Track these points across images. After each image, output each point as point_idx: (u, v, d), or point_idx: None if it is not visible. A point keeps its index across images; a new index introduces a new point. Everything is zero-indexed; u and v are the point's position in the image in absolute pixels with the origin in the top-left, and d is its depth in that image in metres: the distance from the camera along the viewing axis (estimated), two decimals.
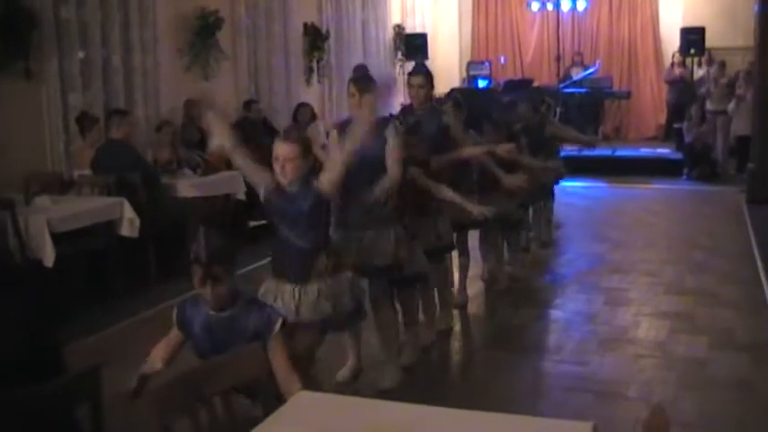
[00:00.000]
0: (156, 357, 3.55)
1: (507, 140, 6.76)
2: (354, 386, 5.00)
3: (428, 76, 5.99)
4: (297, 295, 4.20)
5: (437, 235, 5.53)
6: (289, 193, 4.16)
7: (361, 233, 4.88)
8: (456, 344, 5.81)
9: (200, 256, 3.34)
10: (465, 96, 7.54)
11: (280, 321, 3.42)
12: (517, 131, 7.54)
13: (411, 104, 6.08)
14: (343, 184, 4.40)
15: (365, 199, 4.86)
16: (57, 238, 6.29)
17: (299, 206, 4.17)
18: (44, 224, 6.22)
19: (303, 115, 10.94)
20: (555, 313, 6.54)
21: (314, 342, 4.33)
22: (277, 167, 4.11)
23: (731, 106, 12.96)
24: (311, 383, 3.78)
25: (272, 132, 10.52)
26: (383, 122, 4.92)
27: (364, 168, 4.70)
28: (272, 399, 3.06)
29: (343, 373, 5.14)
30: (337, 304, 4.27)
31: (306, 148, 4.16)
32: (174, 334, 3.57)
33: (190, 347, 3.54)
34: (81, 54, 8.08)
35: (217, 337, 3.43)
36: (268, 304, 3.70)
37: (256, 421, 2.74)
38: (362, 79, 5.00)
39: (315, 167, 4.34)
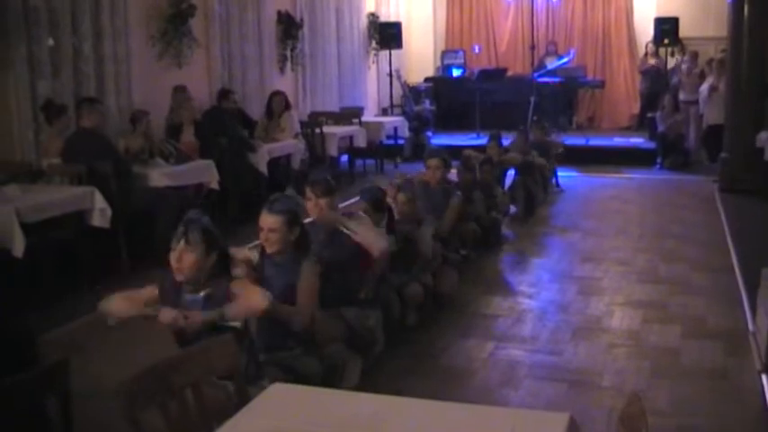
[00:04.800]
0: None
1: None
2: None
3: None
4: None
5: None
6: (275, 264, 4.18)
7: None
8: (429, 334, 5.79)
9: (189, 217, 3.54)
10: None
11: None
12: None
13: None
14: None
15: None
16: (26, 228, 6.20)
17: (286, 279, 4.16)
18: (13, 214, 6.13)
19: (277, 104, 10.88)
20: (528, 302, 6.53)
21: None
22: (261, 237, 4.16)
23: (702, 93, 13.04)
24: None
25: (247, 123, 10.46)
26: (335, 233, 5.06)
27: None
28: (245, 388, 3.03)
29: None
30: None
31: (291, 218, 4.18)
32: (149, 292, 3.64)
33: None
34: (50, 41, 7.96)
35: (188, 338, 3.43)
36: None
37: (228, 413, 2.71)
38: (320, 184, 5.05)
39: (306, 240, 4.34)
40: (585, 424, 4.02)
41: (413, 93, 15.83)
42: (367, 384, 4.62)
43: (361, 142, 12.47)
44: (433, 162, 6.96)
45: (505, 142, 10.54)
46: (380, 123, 13.74)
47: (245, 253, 4.40)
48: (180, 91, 9.54)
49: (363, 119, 13.17)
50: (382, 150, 13.39)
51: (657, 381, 4.92)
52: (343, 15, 14.66)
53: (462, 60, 17.03)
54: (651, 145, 13.67)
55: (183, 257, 3.55)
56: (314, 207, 5.01)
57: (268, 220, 4.15)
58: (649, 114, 14.33)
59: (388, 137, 13.83)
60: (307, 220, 5.05)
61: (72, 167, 7.28)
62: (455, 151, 8.92)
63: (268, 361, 3.98)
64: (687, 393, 4.74)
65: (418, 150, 13.23)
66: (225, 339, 3.04)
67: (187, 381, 2.77)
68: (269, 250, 4.18)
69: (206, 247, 3.57)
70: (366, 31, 15.72)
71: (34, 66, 7.73)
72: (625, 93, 16.73)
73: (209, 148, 8.99)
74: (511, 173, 10.09)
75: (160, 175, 7.86)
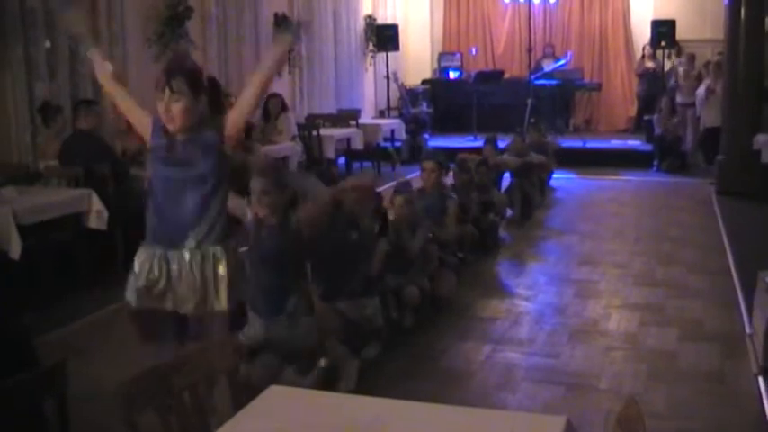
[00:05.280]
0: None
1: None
2: None
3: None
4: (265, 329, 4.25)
5: None
6: (268, 227, 4.20)
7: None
8: (427, 336, 5.79)
9: (168, 66, 3.45)
10: None
11: None
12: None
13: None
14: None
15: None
16: (24, 230, 6.20)
17: (276, 242, 4.20)
18: (10, 216, 6.12)
19: (273, 106, 10.88)
20: (525, 305, 6.53)
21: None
22: (254, 200, 4.19)
23: (699, 96, 13.05)
24: None
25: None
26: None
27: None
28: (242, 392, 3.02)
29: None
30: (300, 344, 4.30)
31: (282, 180, 4.23)
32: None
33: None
34: (47, 43, 7.97)
35: (177, 153, 3.51)
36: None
37: (226, 415, 2.71)
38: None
39: (295, 202, 4.35)
40: (583, 427, 4.02)
41: (410, 95, 15.84)
42: (365, 387, 4.62)
43: (358, 144, 12.48)
44: (429, 165, 6.96)
45: (502, 144, 10.55)
46: (377, 126, 13.75)
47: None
48: None
49: (360, 121, 13.18)
50: (379, 153, 13.40)
51: (654, 384, 4.92)
52: (340, 17, 14.67)
53: (459, 63, 17.03)
54: (648, 147, 13.68)
55: (172, 108, 3.44)
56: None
57: (260, 182, 4.18)
58: (646, 117, 14.34)
59: (386, 139, 13.83)
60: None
61: (69, 169, 7.28)
62: (452, 154, 8.93)
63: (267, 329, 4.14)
64: (684, 396, 4.74)
65: (415, 153, 13.24)
66: (224, 341, 3.04)
67: (187, 382, 2.76)
68: (261, 213, 4.21)
69: (193, 93, 3.47)
70: (363, 33, 15.73)
71: (31, 68, 7.74)
72: (622, 95, 16.75)
73: None
74: (507, 176, 10.09)
75: None
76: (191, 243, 3.53)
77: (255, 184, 4.20)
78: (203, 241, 3.55)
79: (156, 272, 3.58)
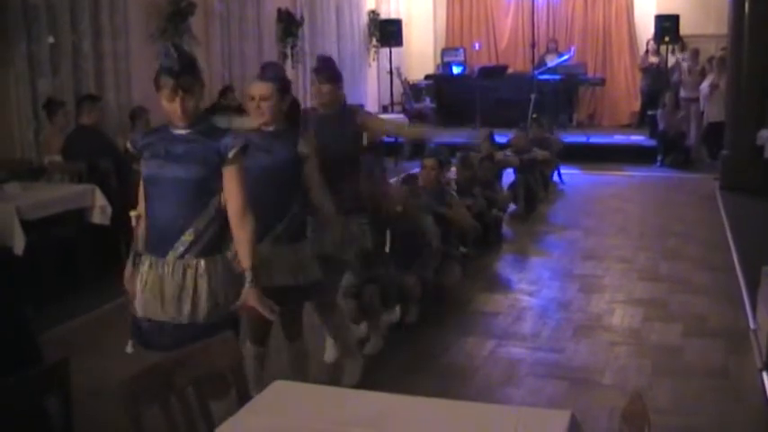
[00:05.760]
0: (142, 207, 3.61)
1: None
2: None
3: None
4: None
5: None
6: (266, 134, 4.04)
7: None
8: (431, 331, 5.78)
9: (173, 67, 3.31)
10: None
11: (238, 147, 3.40)
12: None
13: None
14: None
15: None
16: (27, 225, 6.20)
17: (276, 151, 4.02)
18: (13, 211, 6.12)
19: None
20: (529, 300, 6.53)
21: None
22: (252, 107, 4.04)
23: (703, 91, 13.03)
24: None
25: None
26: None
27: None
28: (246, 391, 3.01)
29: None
30: (298, 273, 4.03)
31: (283, 87, 4.08)
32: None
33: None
34: (50, 39, 7.96)
35: (175, 148, 3.42)
36: (229, 132, 3.49)
37: (230, 411, 2.71)
38: (324, 70, 4.97)
39: (297, 113, 4.26)
40: (587, 422, 4.01)
41: (413, 90, 15.82)
42: (368, 382, 4.62)
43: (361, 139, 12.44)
44: (429, 162, 6.93)
45: (504, 140, 10.55)
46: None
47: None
48: None
49: None
50: (382, 148, 13.36)
51: (658, 379, 4.92)
52: (343, 13, 14.66)
53: (463, 58, 17.01)
54: (652, 143, 13.66)
55: (187, 105, 3.39)
56: (317, 93, 4.95)
57: (260, 87, 4.03)
58: (650, 112, 14.32)
59: (389, 135, 13.79)
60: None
61: (73, 165, 7.28)
62: (455, 149, 8.93)
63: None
64: (688, 391, 4.73)
65: (418, 149, 13.21)
66: (225, 337, 3.03)
67: (188, 379, 2.76)
68: (261, 120, 4.04)
69: (200, 85, 3.45)
70: (366, 28, 15.73)
71: (34, 64, 7.74)
72: (626, 90, 16.73)
73: None
74: (510, 171, 10.08)
75: None
76: (175, 252, 3.39)
77: (255, 89, 4.04)
78: (188, 251, 3.40)
79: (145, 281, 3.45)
